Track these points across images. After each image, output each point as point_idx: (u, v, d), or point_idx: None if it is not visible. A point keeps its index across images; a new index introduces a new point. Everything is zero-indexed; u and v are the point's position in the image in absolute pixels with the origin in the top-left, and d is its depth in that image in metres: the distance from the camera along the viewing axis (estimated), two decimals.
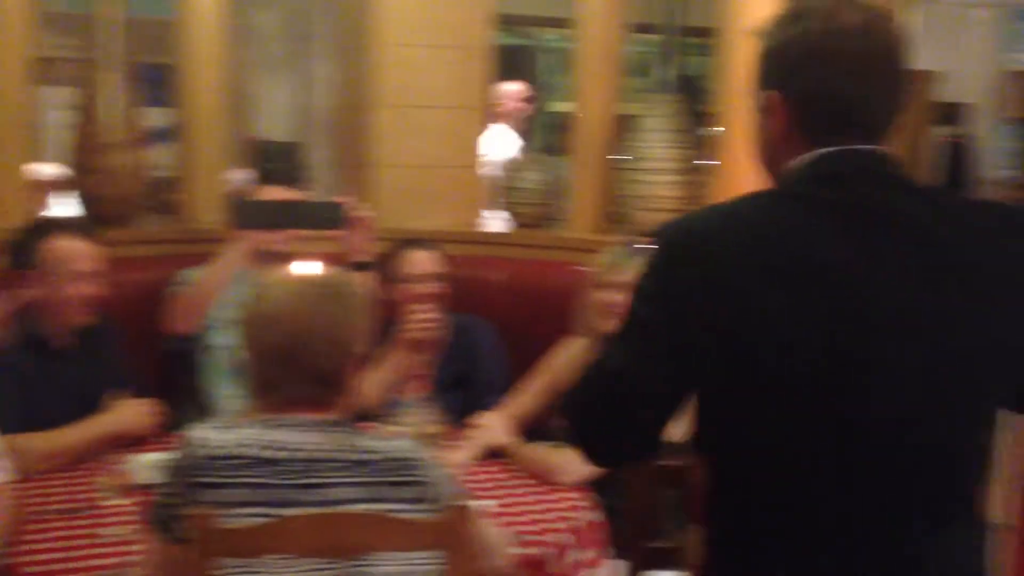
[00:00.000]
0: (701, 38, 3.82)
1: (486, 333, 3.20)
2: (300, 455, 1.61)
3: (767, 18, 1.46)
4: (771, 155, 1.45)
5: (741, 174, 3.31)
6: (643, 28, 3.96)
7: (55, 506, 2.19)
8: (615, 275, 2.67)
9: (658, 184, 3.56)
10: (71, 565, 1.92)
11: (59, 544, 2.00)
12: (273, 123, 6.63)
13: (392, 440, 1.73)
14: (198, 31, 3.55)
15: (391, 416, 2.50)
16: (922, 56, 9.44)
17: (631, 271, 2.53)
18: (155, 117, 3.97)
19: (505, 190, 3.95)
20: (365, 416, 2.37)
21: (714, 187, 3.50)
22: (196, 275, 2.97)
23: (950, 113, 10.10)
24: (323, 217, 2.72)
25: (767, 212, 1.37)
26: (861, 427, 1.31)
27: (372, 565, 1.59)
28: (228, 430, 1.65)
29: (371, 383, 2.91)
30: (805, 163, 1.39)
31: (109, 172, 3.42)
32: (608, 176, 3.71)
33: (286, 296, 1.68)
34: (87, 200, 3.47)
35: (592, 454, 1.45)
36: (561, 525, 2.19)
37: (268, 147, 4.41)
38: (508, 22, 7.02)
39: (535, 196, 3.88)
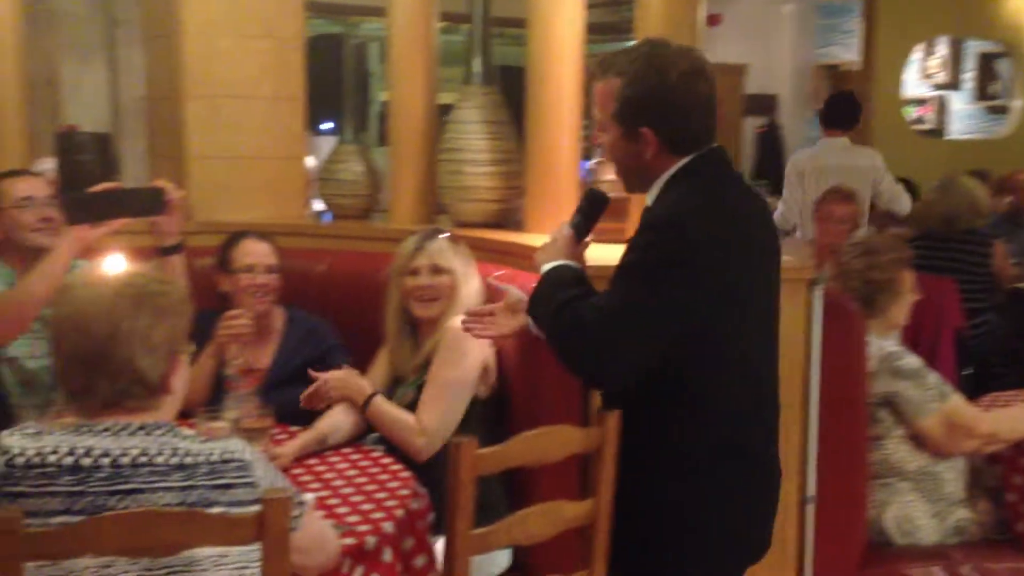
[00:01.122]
0: (517, 28, 3.89)
1: (326, 328, 3.25)
2: (106, 461, 1.58)
3: (616, 60, 2.03)
4: (639, 170, 2.07)
5: (553, 163, 3.42)
6: (459, 18, 4.00)
7: None
8: (417, 260, 2.86)
9: (477, 175, 3.61)
10: None
11: None
12: (85, 113, 6.37)
13: (216, 441, 1.70)
14: None
15: (217, 411, 2.46)
16: (733, 50, 9.87)
17: (431, 256, 2.83)
18: None
19: (323, 182, 3.93)
20: (190, 413, 2.36)
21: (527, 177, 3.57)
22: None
23: (761, 104, 10.66)
24: (146, 204, 2.74)
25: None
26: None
27: (191, 565, 1.58)
28: (38, 437, 1.61)
29: (199, 377, 2.96)
30: (679, 168, 2.03)
31: None
32: (429, 167, 3.74)
33: (92, 298, 1.64)
34: None
35: (594, 377, 2.02)
36: (384, 514, 2.20)
37: (77, 138, 4.23)
38: (324, 11, 6.97)
39: (355, 188, 3.89)
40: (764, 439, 2.11)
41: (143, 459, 1.59)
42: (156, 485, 1.58)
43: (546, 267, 2.12)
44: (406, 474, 2.45)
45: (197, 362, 2.98)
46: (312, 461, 2.58)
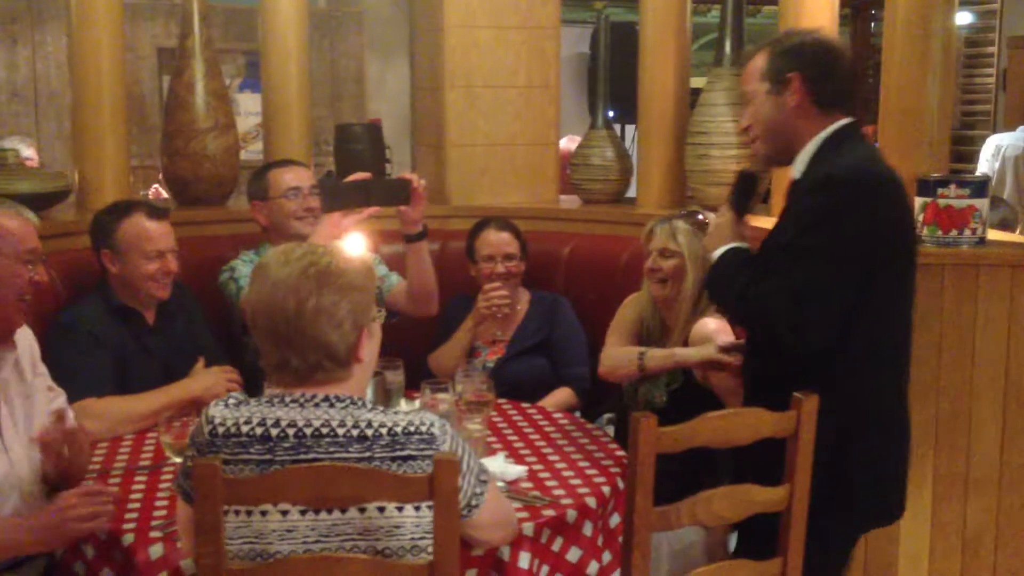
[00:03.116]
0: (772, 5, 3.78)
1: (565, 308, 3.40)
2: (292, 431, 1.69)
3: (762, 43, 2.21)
4: (784, 130, 2.15)
5: None
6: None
7: (119, 464, 2.40)
8: (650, 243, 2.92)
9: (724, 158, 3.57)
10: (127, 516, 2.10)
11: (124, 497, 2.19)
12: (390, 106, 6.83)
13: (408, 414, 1.76)
14: None
15: (442, 385, 2.61)
16: None
17: (660, 239, 2.89)
18: None
19: (574, 167, 4.02)
20: (437, 381, 2.58)
21: None
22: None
23: None
24: (393, 194, 2.92)
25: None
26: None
27: (366, 533, 1.68)
28: (237, 407, 1.75)
29: (455, 348, 3.25)
30: (833, 131, 2.12)
31: None
32: (678, 151, 3.73)
33: (281, 278, 1.74)
34: None
35: (791, 347, 2.04)
36: (589, 490, 2.25)
37: (352, 130, 4.51)
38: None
39: (605, 172, 3.95)
40: (906, 400, 2.23)
41: (325, 430, 1.69)
42: (335, 455, 1.68)
43: (719, 252, 2.24)
44: (621, 452, 2.48)
45: (456, 335, 3.28)
46: (529, 430, 2.67)
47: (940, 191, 2.68)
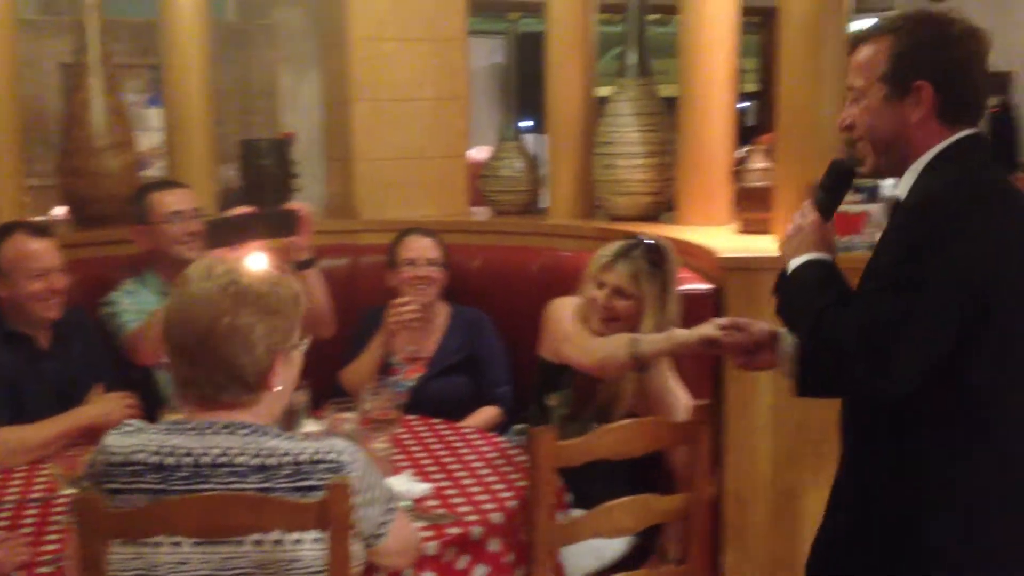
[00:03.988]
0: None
1: (487, 325, 3.36)
2: (188, 460, 1.64)
3: (884, 22, 1.78)
4: (898, 142, 1.76)
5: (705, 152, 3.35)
6: (617, 9, 3.96)
7: (10, 497, 2.31)
8: (606, 275, 2.69)
9: (630, 168, 3.60)
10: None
11: (5, 534, 2.10)
12: (303, 120, 6.76)
13: (315, 441, 1.71)
14: None
15: (348, 403, 2.57)
16: None
17: (619, 276, 2.63)
18: None
19: (484, 179, 4.02)
20: (344, 399, 2.52)
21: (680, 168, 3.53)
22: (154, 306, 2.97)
23: (996, 82, 9.97)
24: (280, 225, 2.88)
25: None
26: None
27: (261, 567, 1.63)
28: (131, 435, 1.69)
29: (368, 364, 3.18)
30: (945, 147, 1.73)
31: None
32: (586, 161, 3.75)
33: (198, 293, 1.70)
34: None
35: (864, 395, 1.72)
36: (495, 505, 2.23)
37: (258, 145, 4.43)
38: (486, 7, 7.04)
39: (515, 184, 3.95)
40: None
41: (223, 459, 1.64)
42: (232, 485, 1.63)
43: (795, 263, 1.83)
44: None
45: (367, 350, 3.21)
46: (437, 447, 2.65)
47: None
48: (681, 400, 2.51)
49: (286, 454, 1.65)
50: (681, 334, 2.38)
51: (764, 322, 2.04)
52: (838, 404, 2.36)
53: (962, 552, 1.69)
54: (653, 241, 2.70)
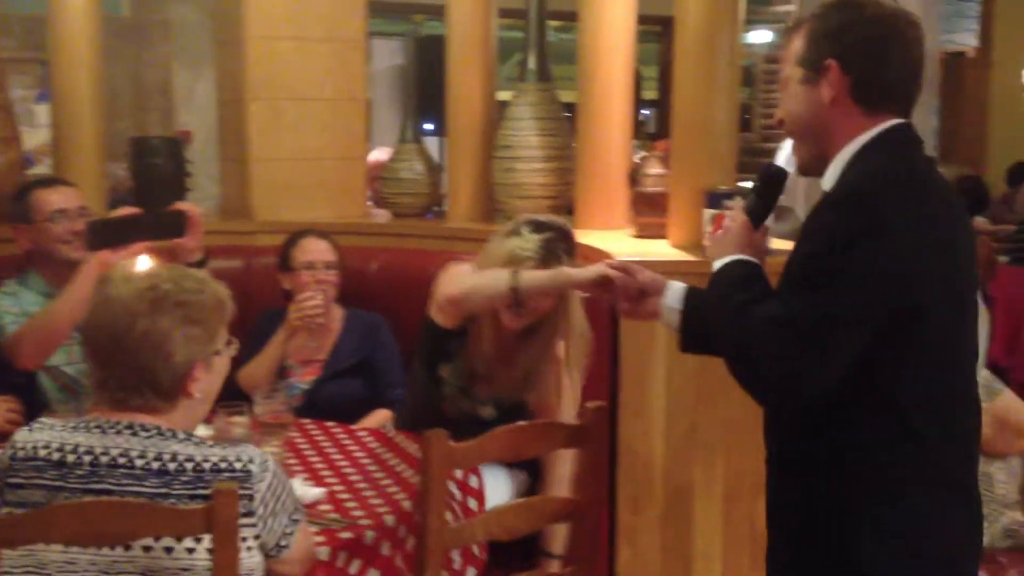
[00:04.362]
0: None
1: (384, 328, 3.33)
2: (88, 459, 1.62)
3: (805, 14, 1.76)
4: (818, 129, 1.72)
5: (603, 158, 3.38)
6: (516, 14, 3.98)
7: None
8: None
9: (529, 172, 3.61)
10: None
11: None
12: (200, 118, 6.62)
13: (226, 448, 1.68)
14: None
15: (238, 406, 2.52)
16: None
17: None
18: None
19: (384, 181, 3.99)
20: (240, 401, 2.44)
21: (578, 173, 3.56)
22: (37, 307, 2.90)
23: None
24: (167, 227, 2.82)
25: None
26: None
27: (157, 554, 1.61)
28: (39, 431, 1.67)
29: (265, 364, 3.13)
30: (872, 137, 1.68)
31: None
32: (486, 164, 3.75)
33: (117, 295, 1.68)
34: None
35: (780, 397, 1.64)
36: (389, 508, 2.22)
37: (149, 143, 4.35)
38: (390, 10, 7.03)
39: (414, 186, 3.93)
40: (973, 462, 1.76)
41: (122, 459, 1.62)
42: (127, 488, 1.60)
43: (719, 264, 1.80)
44: None
45: (265, 350, 3.16)
46: (332, 450, 2.62)
47: (726, 203, 2.77)
48: (570, 403, 2.52)
49: (189, 459, 1.63)
50: (570, 271, 2.31)
51: (651, 271, 2.02)
52: (729, 405, 2.39)
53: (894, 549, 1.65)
54: (566, 228, 2.64)
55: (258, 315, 3.29)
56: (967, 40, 9.49)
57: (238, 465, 1.65)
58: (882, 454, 1.64)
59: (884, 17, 1.70)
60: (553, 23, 3.88)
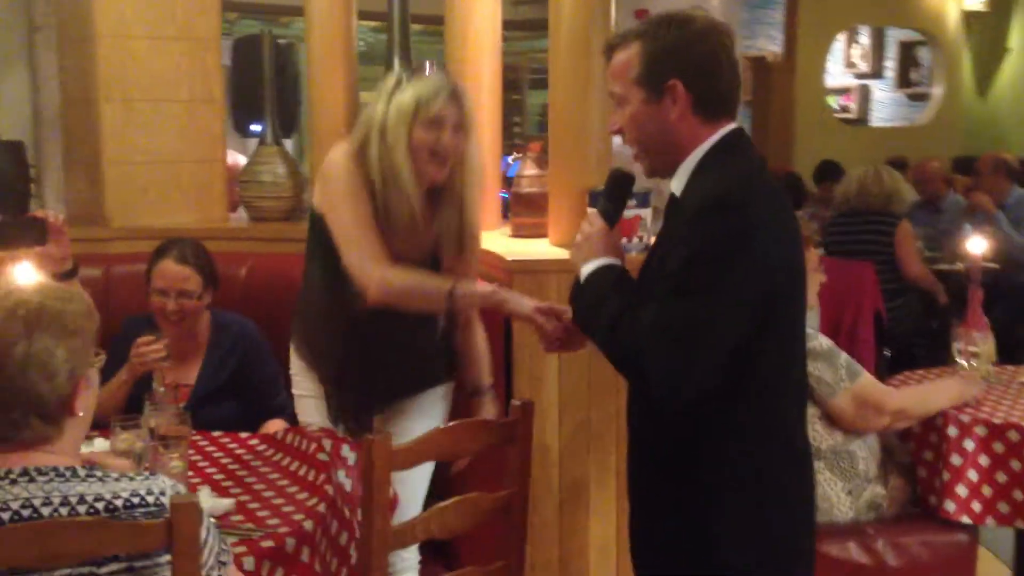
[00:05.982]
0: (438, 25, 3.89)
1: (254, 335, 3.19)
2: None
3: (631, 28, 1.85)
4: (665, 142, 1.84)
5: None
6: (379, 17, 3.98)
7: None
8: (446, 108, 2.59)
9: None
10: None
11: None
12: (5, 120, 6.23)
13: (129, 481, 1.56)
14: None
15: (133, 420, 2.41)
16: None
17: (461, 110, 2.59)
18: None
19: (244, 184, 3.90)
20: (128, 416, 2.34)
21: None
22: None
23: None
24: (26, 235, 2.65)
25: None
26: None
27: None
28: None
29: (110, 400, 2.85)
30: (715, 143, 1.82)
31: None
32: None
33: None
34: None
35: (665, 395, 1.71)
36: (304, 515, 2.19)
37: None
38: (249, 10, 6.90)
39: (276, 190, 3.86)
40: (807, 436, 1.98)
41: (26, 512, 1.48)
42: None
43: (587, 269, 1.88)
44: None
45: (107, 386, 2.87)
46: (227, 460, 2.56)
47: None
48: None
49: (98, 499, 1.51)
50: (509, 297, 2.39)
51: None
52: (620, 398, 2.48)
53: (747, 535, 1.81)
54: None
55: (122, 322, 3.13)
56: (769, 46, 10.05)
57: (150, 499, 1.54)
58: (748, 434, 1.80)
59: (710, 30, 1.83)
60: (416, 27, 3.88)
